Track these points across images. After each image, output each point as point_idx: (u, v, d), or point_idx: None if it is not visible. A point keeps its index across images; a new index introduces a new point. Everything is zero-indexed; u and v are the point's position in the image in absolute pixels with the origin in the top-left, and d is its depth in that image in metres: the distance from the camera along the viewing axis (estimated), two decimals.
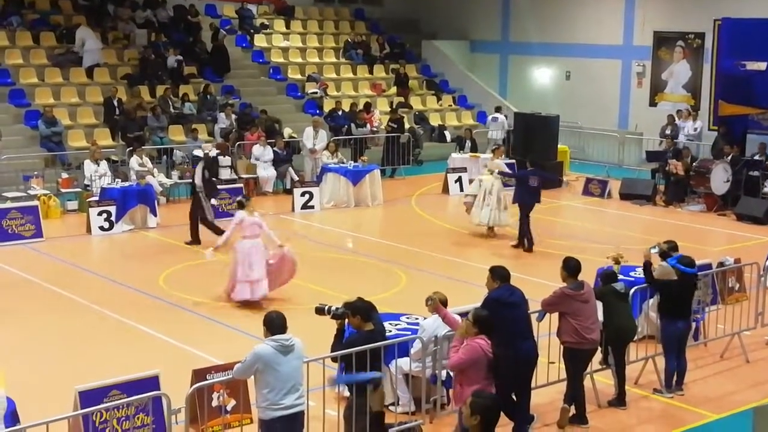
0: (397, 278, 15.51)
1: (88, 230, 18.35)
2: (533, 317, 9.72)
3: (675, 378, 10.85)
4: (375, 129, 26.32)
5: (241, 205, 14.15)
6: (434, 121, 29.59)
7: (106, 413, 8.17)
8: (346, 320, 8.56)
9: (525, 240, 17.23)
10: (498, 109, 27.89)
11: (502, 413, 9.24)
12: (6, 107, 23.66)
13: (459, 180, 23.41)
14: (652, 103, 27.95)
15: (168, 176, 21.76)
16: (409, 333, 10.09)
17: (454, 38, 32.88)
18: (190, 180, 21.58)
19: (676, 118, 25.18)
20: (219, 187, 20.33)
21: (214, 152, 18.91)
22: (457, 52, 32.67)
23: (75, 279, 15.34)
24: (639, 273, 11.78)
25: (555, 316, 9.90)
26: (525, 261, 16.20)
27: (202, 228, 17.33)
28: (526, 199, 17.20)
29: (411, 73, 31.23)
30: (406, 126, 26.92)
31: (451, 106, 30.90)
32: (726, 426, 10.17)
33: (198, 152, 19.19)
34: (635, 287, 11.12)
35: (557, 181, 17.71)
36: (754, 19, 23.22)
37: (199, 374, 8.99)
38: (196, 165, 18.01)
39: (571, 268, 9.80)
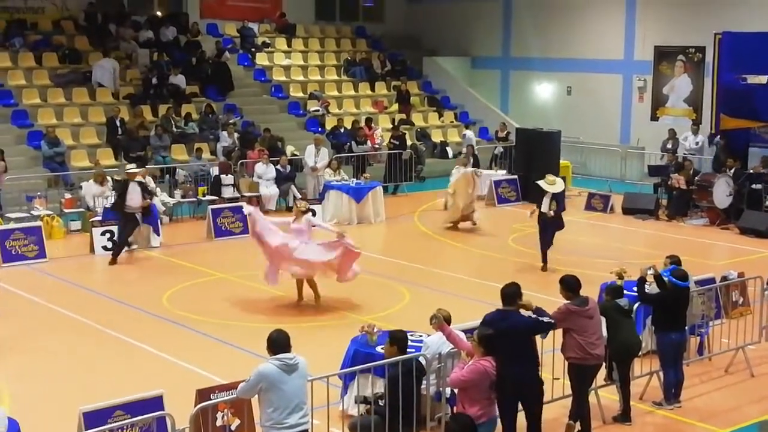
0: (400, 295, 15.49)
1: (92, 250, 18.36)
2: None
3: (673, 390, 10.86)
4: (377, 146, 26.37)
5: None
6: (436, 137, 29.63)
7: None
8: None
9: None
10: (467, 126, 28.09)
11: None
12: (9, 128, 23.72)
13: None
14: (654, 118, 27.99)
15: (171, 195, 21.78)
16: (413, 350, 10.06)
17: (456, 54, 32.97)
18: (194, 199, 21.76)
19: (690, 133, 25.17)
20: (222, 206, 20.40)
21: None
22: (459, 69, 32.76)
23: (78, 299, 15.33)
24: None
25: (559, 331, 9.88)
26: (529, 277, 16.13)
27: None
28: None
29: (412, 89, 31.32)
30: (408, 143, 26.97)
31: (452, 122, 30.95)
32: None
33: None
34: (638, 303, 11.10)
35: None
36: (755, 32, 23.25)
37: (203, 394, 8.95)
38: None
39: (571, 284, 9.75)
